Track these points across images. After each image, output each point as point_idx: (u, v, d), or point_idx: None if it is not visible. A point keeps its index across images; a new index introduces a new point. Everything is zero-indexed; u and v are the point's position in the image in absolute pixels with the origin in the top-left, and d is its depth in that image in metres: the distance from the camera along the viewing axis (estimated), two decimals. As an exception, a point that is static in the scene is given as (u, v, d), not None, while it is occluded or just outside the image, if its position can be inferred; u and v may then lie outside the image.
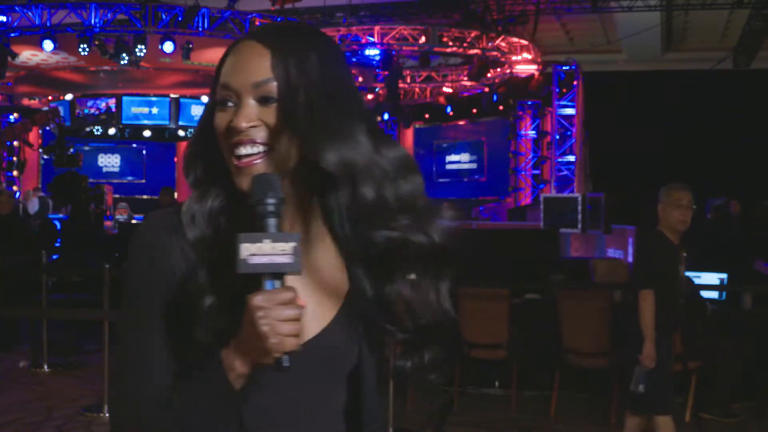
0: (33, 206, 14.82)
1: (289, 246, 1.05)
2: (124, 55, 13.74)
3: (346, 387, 1.28)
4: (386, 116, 18.60)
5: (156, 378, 1.13)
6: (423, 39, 13.72)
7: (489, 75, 15.10)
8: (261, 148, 1.13)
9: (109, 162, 19.95)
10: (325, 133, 1.13)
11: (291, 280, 1.09)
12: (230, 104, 1.14)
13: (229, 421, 1.13)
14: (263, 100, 1.13)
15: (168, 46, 13.63)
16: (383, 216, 1.17)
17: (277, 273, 1.06)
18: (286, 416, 1.19)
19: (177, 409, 1.11)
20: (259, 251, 1.04)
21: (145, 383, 1.13)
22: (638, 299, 4.22)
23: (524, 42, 14.55)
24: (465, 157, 18.80)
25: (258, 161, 1.13)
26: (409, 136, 19.89)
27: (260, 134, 1.13)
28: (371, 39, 13.69)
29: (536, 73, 15.08)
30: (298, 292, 1.07)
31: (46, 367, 6.97)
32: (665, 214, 4.26)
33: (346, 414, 1.28)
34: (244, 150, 1.13)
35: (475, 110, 17.32)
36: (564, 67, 15.60)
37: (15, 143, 17.08)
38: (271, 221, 1.07)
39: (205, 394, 1.10)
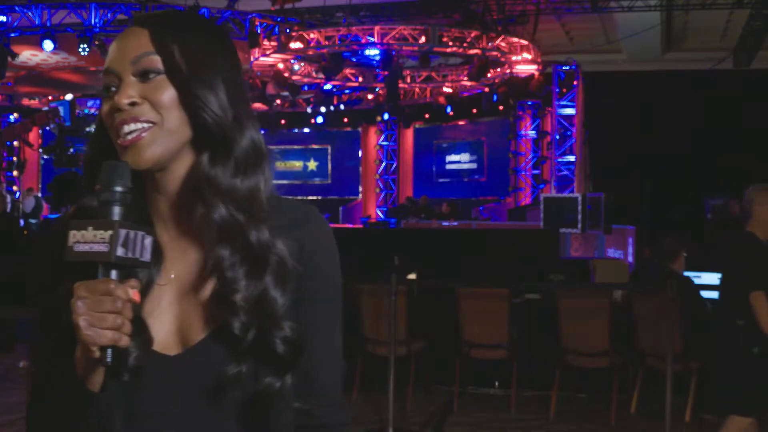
0: (28, 206, 14.81)
1: (107, 234, 1.00)
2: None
3: (242, 421, 1.13)
4: (386, 116, 18.60)
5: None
6: (423, 39, 13.71)
7: (489, 75, 15.09)
8: (145, 125, 1.10)
9: (109, 162, 19.93)
10: (212, 99, 1.12)
11: (170, 285, 1.13)
12: (113, 89, 1.12)
13: (91, 426, 1.05)
14: (144, 75, 1.11)
15: (168, 46, 13.60)
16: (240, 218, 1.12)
17: (110, 263, 1.00)
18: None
19: (48, 408, 1.08)
20: (83, 239, 1.01)
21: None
22: (749, 302, 4.17)
23: (524, 42, 14.54)
24: (465, 157, 18.80)
25: (144, 134, 1.10)
26: (409, 136, 19.88)
27: (144, 110, 1.10)
28: (371, 39, 13.68)
29: (536, 73, 15.07)
30: (156, 292, 1.09)
31: (46, 367, 6.95)
32: (762, 215, 4.24)
33: None
34: (127, 128, 1.09)
35: (475, 110, 17.32)
36: (564, 67, 15.60)
37: (15, 143, 17.09)
38: (116, 209, 1.03)
39: (66, 396, 1.06)
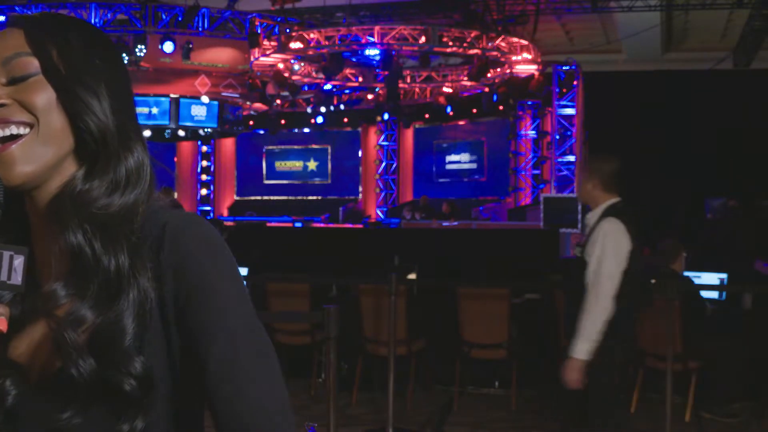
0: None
1: None
2: (124, 54, 13.73)
3: None
4: (386, 116, 18.59)
5: None
6: (423, 39, 13.71)
7: (489, 75, 15.10)
8: (16, 129, 0.97)
9: (109, 162, 19.92)
10: (95, 104, 1.00)
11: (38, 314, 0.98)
12: None
13: None
14: (17, 79, 0.99)
15: (168, 46, 13.64)
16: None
17: None
18: None
19: None
20: None
21: None
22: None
23: (524, 42, 14.54)
24: (465, 157, 18.79)
25: (14, 146, 0.97)
26: (409, 136, 19.88)
27: (13, 111, 0.97)
28: (371, 39, 13.68)
29: (536, 73, 15.07)
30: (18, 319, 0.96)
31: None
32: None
33: None
34: (4, 126, 0.97)
35: (475, 110, 17.31)
36: (564, 67, 15.60)
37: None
38: None
39: None
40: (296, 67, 16.25)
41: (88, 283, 0.96)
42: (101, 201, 0.98)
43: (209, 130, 17.00)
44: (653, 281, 5.35)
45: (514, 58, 14.58)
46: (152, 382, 0.96)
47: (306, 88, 17.07)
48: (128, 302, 0.96)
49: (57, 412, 0.94)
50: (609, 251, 3.86)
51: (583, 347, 3.83)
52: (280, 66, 15.21)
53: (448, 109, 16.94)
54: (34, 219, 1.03)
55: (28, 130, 0.98)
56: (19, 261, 0.92)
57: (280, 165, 20.54)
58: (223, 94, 16.11)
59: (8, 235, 1.00)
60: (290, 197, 19.84)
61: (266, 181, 20.28)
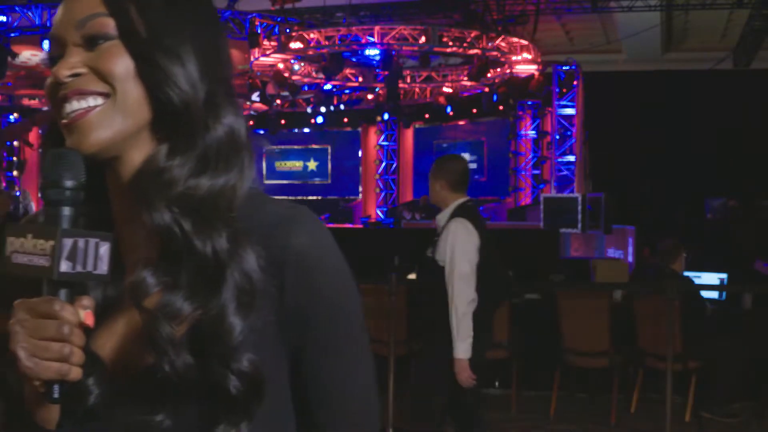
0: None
1: (48, 244, 0.81)
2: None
3: None
4: (386, 116, 18.59)
5: None
6: (423, 39, 13.70)
7: (489, 75, 15.09)
8: (93, 101, 0.89)
9: (109, 162, 19.94)
10: (178, 72, 0.90)
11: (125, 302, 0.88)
12: (57, 59, 0.91)
13: None
14: (91, 42, 0.90)
15: (168, 46, 13.62)
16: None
17: (67, 282, 0.82)
18: None
19: None
20: (22, 248, 0.82)
21: None
22: None
23: (524, 42, 14.54)
24: (465, 157, 18.76)
25: (91, 113, 0.89)
26: (409, 136, 19.88)
27: (89, 81, 0.89)
28: (371, 39, 13.67)
29: (536, 73, 15.07)
30: (104, 312, 0.87)
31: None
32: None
33: None
34: (70, 106, 0.89)
35: (475, 110, 17.31)
36: (564, 67, 15.59)
37: (15, 143, 17.09)
38: (63, 212, 0.84)
39: None
40: (296, 67, 16.25)
41: (181, 269, 0.86)
42: (188, 181, 0.88)
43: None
44: (655, 281, 5.35)
45: (514, 58, 14.58)
46: (262, 382, 0.87)
47: (306, 88, 17.07)
48: (231, 291, 0.86)
49: (146, 414, 0.86)
50: (458, 251, 3.97)
51: (462, 347, 3.94)
52: (280, 66, 15.21)
53: (448, 109, 16.94)
54: (116, 200, 0.94)
55: (104, 100, 0.89)
56: (104, 248, 0.84)
57: (280, 165, 20.54)
58: None
59: (91, 219, 0.90)
60: (290, 197, 19.83)
61: (266, 181, 20.28)
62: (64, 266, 0.81)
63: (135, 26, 0.90)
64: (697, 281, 6.32)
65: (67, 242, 0.81)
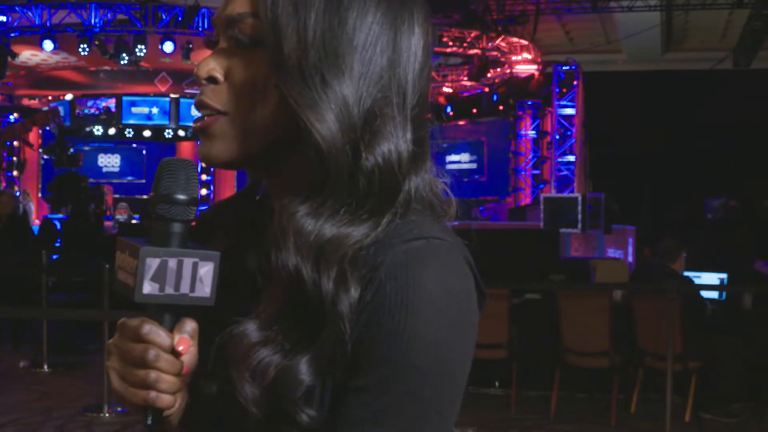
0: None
1: (134, 263, 0.75)
2: (124, 55, 13.74)
3: None
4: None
5: None
6: (423, 39, 13.70)
7: (489, 75, 15.10)
8: (210, 111, 0.81)
9: (109, 162, 19.96)
10: (324, 100, 0.76)
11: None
12: (213, 46, 0.84)
13: None
14: (238, 44, 0.80)
15: (168, 46, 13.64)
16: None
17: (171, 305, 0.76)
18: None
19: None
20: (123, 264, 0.77)
21: None
22: None
23: (524, 42, 14.55)
24: (465, 157, 18.80)
25: (215, 124, 0.81)
26: (409, 136, 19.89)
27: (217, 93, 0.80)
28: (371, 39, 13.67)
29: (536, 73, 15.08)
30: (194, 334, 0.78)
31: (46, 367, 6.97)
32: None
33: None
34: (200, 111, 0.82)
35: (475, 110, 17.32)
36: (564, 67, 15.60)
37: (15, 143, 17.10)
38: (175, 228, 0.76)
39: None
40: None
41: (291, 323, 0.76)
42: (315, 230, 0.76)
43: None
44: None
45: (514, 58, 14.59)
46: None
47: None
48: (319, 349, 0.75)
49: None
50: None
51: None
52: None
53: (448, 109, 16.95)
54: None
55: (222, 115, 0.80)
56: (207, 269, 0.75)
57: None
58: (186, 91, 16.05)
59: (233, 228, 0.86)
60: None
61: (266, 181, 20.26)
62: (148, 287, 0.74)
63: (282, 32, 0.76)
64: (697, 281, 6.32)
65: (152, 262, 0.74)
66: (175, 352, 0.75)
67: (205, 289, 0.76)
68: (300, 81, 0.76)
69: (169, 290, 0.74)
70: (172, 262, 0.74)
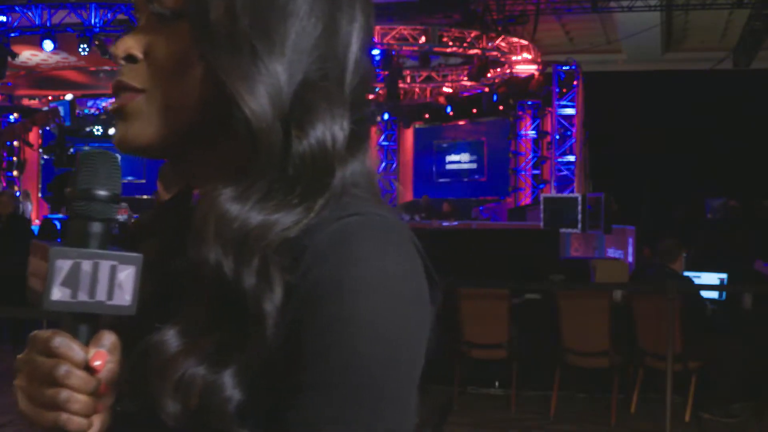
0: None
1: (44, 266, 0.65)
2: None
3: None
4: (386, 116, 18.60)
5: None
6: (423, 39, 13.72)
7: (489, 75, 15.10)
8: (126, 100, 0.73)
9: (109, 162, 19.93)
10: (263, 80, 0.68)
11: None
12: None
13: None
14: (160, 19, 0.72)
15: (168, 46, 13.63)
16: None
17: (86, 315, 0.67)
18: None
19: None
20: (34, 269, 0.67)
21: None
22: None
23: (524, 42, 14.55)
24: (465, 157, 18.80)
25: (127, 101, 0.73)
26: (409, 136, 19.88)
27: (136, 74, 0.73)
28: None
29: (536, 73, 15.08)
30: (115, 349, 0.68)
31: (46, 367, 6.97)
32: None
33: None
34: (118, 92, 0.74)
35: (475, 110, 17.33)
36: (564, 67, 15.60)
37: (15, 143, 17.11)
38: (95, 227, 0.67)
39: None
40: (296, 67, 16.25)
41: (216, 327, 0.67)
42: (241, 217, 0.67)
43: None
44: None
45: (514, 58, 14.59)
46: None
47: (306, 88, 17.06)
48: (251, 353, 0.66)
49: None
50: None
51: None
52: (280, 66, 15.21)
53: (448, 109, 16.96)
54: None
55: (139, 97, 0.73)
56: (126, 273, 0.66)
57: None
58: None
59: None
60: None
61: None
62: (58, 293, 0.64)
63: (213, 6, 0.69)
64: (697, 281, 6.32)
65: (63, 264, 0.64)
66: (89, 369, 0.66)
67: (124, 296, 0.66)
68: (228, 51, 0.68)
69: (83, 297, 0.65)
70: (87, 265, 0.65)
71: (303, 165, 0.69)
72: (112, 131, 11.04)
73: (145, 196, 18.71)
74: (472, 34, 13.78)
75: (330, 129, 0.70)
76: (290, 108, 0.69)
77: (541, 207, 11.85)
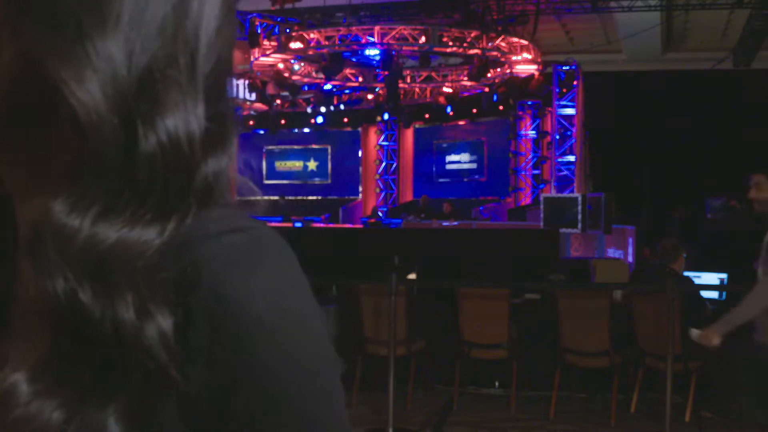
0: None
1: None
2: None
3: None
4: (386, 116, 18.60)
5: None
6: (423, 39, 13.71)
7: (489, 75, 15.10)
8: None
9: (109, 162, 19.95)
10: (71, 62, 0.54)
11: None
12: None
13: None
14: None
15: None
16: None
17: None
18: None
19: None
20: None
21: None
22: None
23: (524, 42, 14.55)
24: (465, 157, 18.80)
25: None
26: (409, 136, 19.88)
27: None
28: (371, 39, 13.68)
29: (536, 73, 15.07)
30: None
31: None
32: None
33: None
34: None
35: (475, 110, 17.33)
36: (564, 67, 15.60)
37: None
38: None
39: None
40: (296, 67, 16.26)
41: (73, 369, 0.55)
42: (92, 230, 0.55)
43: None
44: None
45: (514, 58, 14.58)
46: None
47: (306, 88, 17.08)
48: (131, 394, 0.55)
49: None
50: None
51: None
52: (280, 66, 15.22)
53: (448, 109, 16.95)
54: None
55: None
56: None
57: (280, 165, 20.54)
58: None
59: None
60: (290, 197, 19.84)
61: (266, 181, 20.29)
62: None
63: None
64: (697, 281, 6.32)
65: None
66: None
67: None
68: (48, 30, 0.54)
69: None
70: None
71: (153, 167, 0.56)
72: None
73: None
74: (472, 34, 13.78)
75: (185, 123, 0.57)
76: (133, 99, 0.56)
77: (541, 207, 11.85)
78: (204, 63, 0.60)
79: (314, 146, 20.49)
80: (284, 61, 15.27)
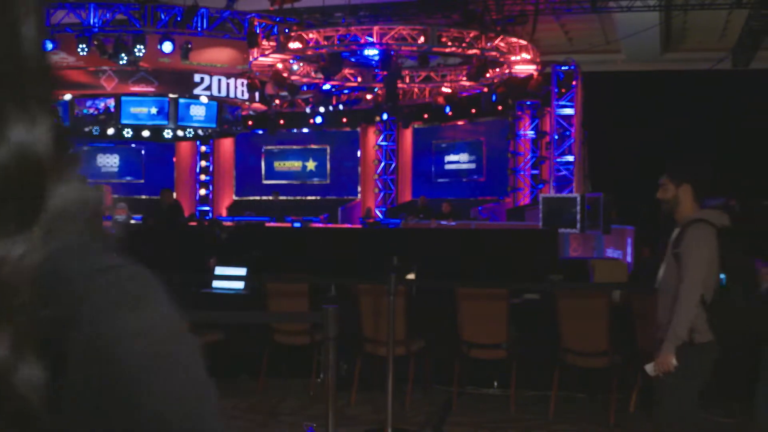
0: None
1: None
2: (122, 55, 13.74)
3: None
4: (385, 116, 18.60)
5: None
6: (422, 39, 13.71)
7: (488, 75, 15.10)
8: None
9: (108, 162, 19.94)
10: None
11: None
12: None
13: None
14: None
15: (167, 46, 13.64)
16: None
17: None
18: None
19: None
20: None
21: None
22: None
23: (523, 42, 14.55)
24: (464, 157, 18.80)
25: None
26: (408, 136, 19.88)
27: None
28: (370, 39, 13.68)
29: (535, 73, 15.07)
30: None
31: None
32: None
33: None
34: None
35: (474, 110, 17.33)
36: (563, 67, 15.60)
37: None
38: None
39: None
40: (295, 67, 16.25)
41: None
42: None
43: (209, 130, 17.00)
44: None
45: (513, 58, 14.58)
46: None
47: (305, 88, 17.08)
48: None
49: None
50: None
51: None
52: (279, 66, 15.21)
53: (447, 109, 16.95)
54: None
55: None
56: None
57: (279, 165, 20.53)
58: (132, 89, 15.93)
59: None
60: (289, 197, 19.83)
61: (265, 181, 20.28)
62: None
63: None
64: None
65: None
66: None
67: None
68: None
69: None
70: None
71: (6, 177, 0.51)
72: (110, 131, 11.04)
73: (143, 196, 18.71)
74: (471, 34, 13.78)
75: (29, 135, 0.53)
76: None
77: (540, 207, 11.85)
78: (35, 72, 0.56)
79: (313, 146, 20.48)
80: (283, 61, 15.27)
